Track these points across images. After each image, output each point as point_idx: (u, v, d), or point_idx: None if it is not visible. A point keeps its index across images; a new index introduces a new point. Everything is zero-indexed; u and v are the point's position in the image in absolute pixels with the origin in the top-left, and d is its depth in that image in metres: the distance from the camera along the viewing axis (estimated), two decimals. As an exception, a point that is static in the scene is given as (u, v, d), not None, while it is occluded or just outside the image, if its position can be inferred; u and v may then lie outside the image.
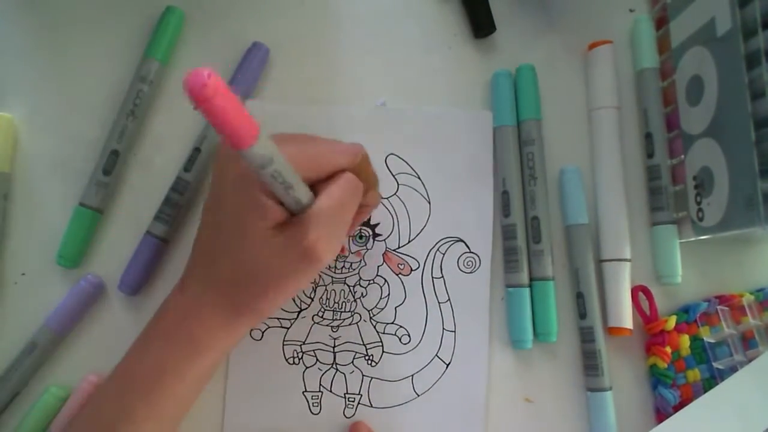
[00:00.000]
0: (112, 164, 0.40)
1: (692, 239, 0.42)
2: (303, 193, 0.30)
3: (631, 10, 0.46)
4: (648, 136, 0.43)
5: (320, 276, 0.42)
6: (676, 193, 0.43)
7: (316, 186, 0.31)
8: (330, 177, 0.32)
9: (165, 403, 0.33)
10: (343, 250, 0.42)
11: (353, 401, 0.41)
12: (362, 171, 0.34)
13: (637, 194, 0.44)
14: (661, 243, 0.43)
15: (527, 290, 0.42)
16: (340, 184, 0.31)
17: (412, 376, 0.41)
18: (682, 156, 0.42)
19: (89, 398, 0.38)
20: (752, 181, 0.35)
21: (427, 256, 0.42)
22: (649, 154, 0.43)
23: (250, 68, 0.42)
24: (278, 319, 0.41)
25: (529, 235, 0.42)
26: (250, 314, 0.33)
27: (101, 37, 0.42)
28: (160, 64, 0.41)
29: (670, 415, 0.40)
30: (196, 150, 0.40)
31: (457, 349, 0.42)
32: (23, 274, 0.41)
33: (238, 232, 0.31)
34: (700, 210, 0.40)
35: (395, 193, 0.43)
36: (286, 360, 0.41)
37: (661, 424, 0.40)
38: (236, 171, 0.31)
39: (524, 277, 0.42)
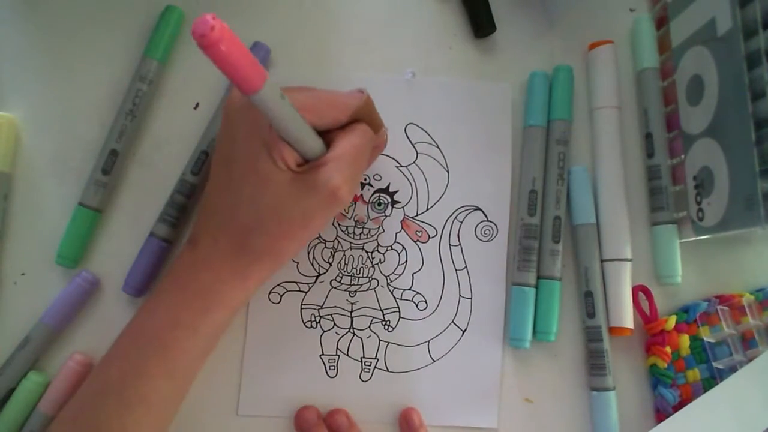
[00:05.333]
0: (111, 164, 0.40)
1: (692, 239, 0.42)
2: (314, 139, 0.31)
3: (631, 10, 0.46)
4: (648, 136, 0.43)
5: (338, 241, 0.42)
6: (676, 193, 0.43)
7: (329, 135, 0.33)
8: (343, 128, 0.34)
9: (177, 359, 0.33)
10: (356, 198, 0.42)
11: (369, 365, 0.41)
12: (369, 113, 0.35)
13: (637, 194, 0.44)
14: (661, 243, 0.43)
15: (533, 290, 0.42)
16: (356, 132, 0.33)
17: (429, 341, 0.42)
18: (682, 156, 0.42)
19: (99, 363, 0.36)
20: (752, 181, 0.35)
21: (445, 223, 0.43)
22: (650, 154, 0.43)
23: None
24: (296, 283, 0.42)
25: (547, 234, 0.42)
26: (269, 258, 0.33)
27: (101, 37, 0.42)
28: (160, 64, 0.41)
29: (670, 415, 0.40)
30: (203, 153, 0.40)
31: (473, 315, 0.42)
32: (23, 274, 0.41)
33: (253, 178, 0.32)
34: (700, 210, 0.40)
35: (414, 162, 0.43)
36: (304, 323, 0.41)
37: (661, 424, 0.40)
38: (247, 120, 0.32)
39: (533, 277, 0.42)
